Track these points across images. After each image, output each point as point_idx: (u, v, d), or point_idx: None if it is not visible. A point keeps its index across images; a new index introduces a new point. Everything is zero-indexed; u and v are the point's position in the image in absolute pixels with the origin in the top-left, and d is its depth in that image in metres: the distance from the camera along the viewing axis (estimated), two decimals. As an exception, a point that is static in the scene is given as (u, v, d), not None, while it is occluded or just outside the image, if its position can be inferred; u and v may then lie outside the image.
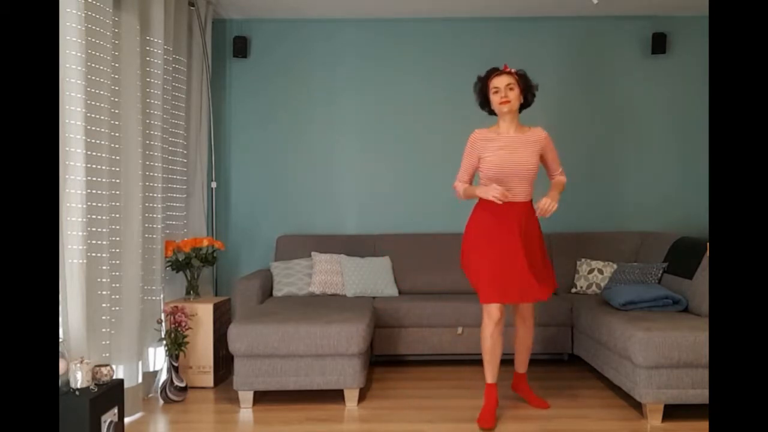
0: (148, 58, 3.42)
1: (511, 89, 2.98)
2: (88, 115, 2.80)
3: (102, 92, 2.90)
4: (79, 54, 2.68)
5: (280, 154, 4.68)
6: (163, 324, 3.46)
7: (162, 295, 3.56)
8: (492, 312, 2.97)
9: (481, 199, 3.09)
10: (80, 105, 2.69)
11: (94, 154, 2.84)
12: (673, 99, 4.65)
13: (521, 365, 3.29)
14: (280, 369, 3.23)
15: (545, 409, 3.19)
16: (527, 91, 3.06)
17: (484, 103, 3.10)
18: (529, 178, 3.03)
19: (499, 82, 2.99)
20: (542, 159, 3.13)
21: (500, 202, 2.87)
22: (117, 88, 3.11)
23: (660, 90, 4.65)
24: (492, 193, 2.86)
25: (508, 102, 2.97)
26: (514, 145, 3.02)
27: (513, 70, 3.03)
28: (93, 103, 2.84)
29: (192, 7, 4.08)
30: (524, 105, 3.10)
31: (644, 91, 4.65)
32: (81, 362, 2.58)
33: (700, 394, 2.95)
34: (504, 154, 3.00)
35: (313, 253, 4.32)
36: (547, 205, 2.89)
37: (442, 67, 4.65)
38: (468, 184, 3.13)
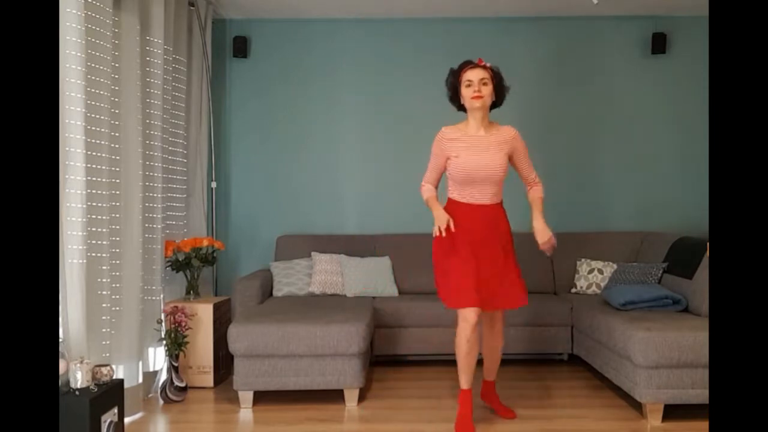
0: (148, 58, 3.42)
1: (484, 84, 2.82)
2: (88, 115, 2.80)
3: (102, 92, 2.90)
4: (78, 54, 2.68)
5: (280, 154, 4.68)
6: (163, 324, 3.45)
7: (162, 295, 3.56)
8: (468, 316, 2.79)
9: (449, 200, 2.98)
10: (80, 105, 2.69)
11: (94, 154, 2.84)
12: (673, 99, 4.65)
13: (490, 373, 3.14)
14: (280, 369, 3.23)
15: (512, 419, 3.06)
16: (500, 89, 2.91)
17: (454, 97, 2.94)
18: (497, 181, 2.89)
19: (473, 75, 2.82)
20: (512, 160, 2.97)
21: (436, 233, 2.79)
22: (117, 88, 3.11)
23: (660, 90, 4.65)
24: (436, 223, 2.78)
25: (481, 97, 2.81)
26: (483, 145, 2.87)
27: (488, 65, 2.88)
28: (93, 103, 2.84)
29: (192, 7, 4.08)
30: (495, 104, 2.94)
31: (644, 91, 4.65)
32: (81, 362, 2.58)
33: (700, 394, 2.95)
34: (471, 156, 2.85)
35: (313, 253, 4.32)
36: (548, 240, 2.90)
37: (443, 66, 4.61)
38: (433, 189, 3.02)
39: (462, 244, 2.87)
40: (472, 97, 2.82)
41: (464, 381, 2.89)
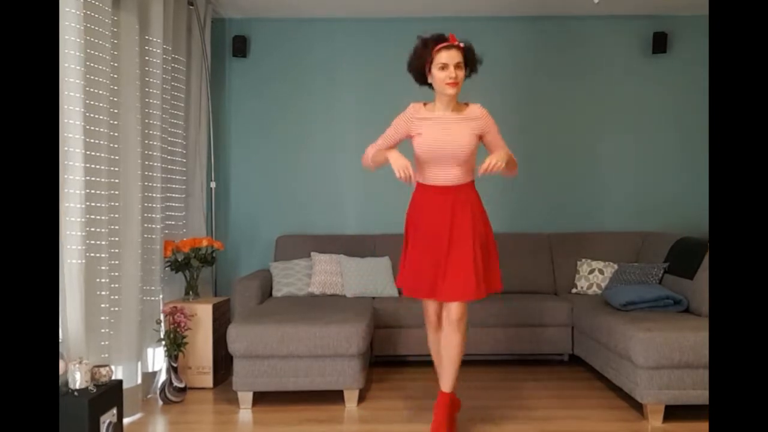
0: (147, 58, 3.41)
1: (459, 68, 2.64)
2: (87, 114, 2.79)
3: (101, 92, 2.89)
4: (78, 53, 2.67)
5: (279, 154, 4.67)
6: (162, 324, 3.45)
7: (161, 296, 3.55)
8: (428, 314, 2.79)
9: (417, 185, 2.83)
10: (79, 104, 2.69)
11: (93, 153, 2.84)
12: (673, 98, 4.64)
13: (443, 380, 2.75)
14: (280, 370, 3.22)
15: None
16: (472, 66, 2.72)
17: (420, 70, 2.73)
18: (465, 159, 2.71)
19: (449, 58, 2.61)
20: (484, 140, 2.76)
21: (401, 179, 2.62)
22: (116, 87, 3.11)
23: (660, 89, 4.64)
24: (396, 165, 2.62)
25: (456, 84, 2.63)
26: (449, 123, 2.71)
27: (461, 44, 2.66)
28: (92, 102, 2.83)
29: (191, 7, 4.07)
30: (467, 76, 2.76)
31: (645, 91, 4.64)
32: (80, 363, 2.57)
33: (700, 394, 2.94)
34: (436, 134, 2.69)
35: (312, 253, 4.31)
36: (492, 161, 2.56)
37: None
38: (375, 146, 2.85)
39: (420, 229, 2.76)
40: (447, 83, 2.64)
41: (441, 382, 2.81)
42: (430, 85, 2.77)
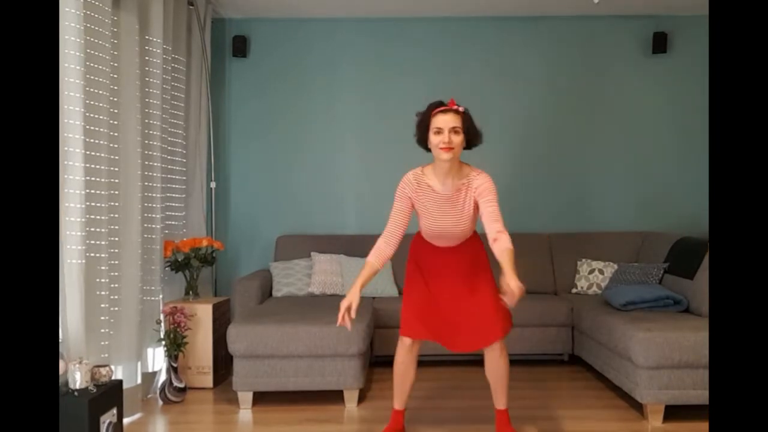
0: (147, 58, 3.41)
1: (456, 133, 2.49)
2: (87, 114, 2.79)
3: (101, 92, 2.89)
4: (78, 53, 2.67)
5: (279, 154, 4.67)
6: (162, 324, 3.45)
7: (161, 296, 3.55)
8: (404, 339, 2.69)
9: (419, 233, 2.81)
10: (79, 105, 2.69)
11: (93, 153, 2.83)
12: (673, 98, 4.64)
13: (497, 399, 2.80)
14: (280, 370, 3.22)
15: None
16: (472, 134, 2.57)
17: (422, 139, 2.62)
18: (467, 233, 2.69)
19: (443, 122, 2.49)
20: (477, 203, 2.61)
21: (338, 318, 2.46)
22: (116, 87, 3.11)
23: (661, 89, 4.64)
24: (339, 314, 2.44)
25: (451, 149, 2.48)
26: (450, 204, 2.61)
27: (461, 108, 2.55)
28: (92, 102, 2.83)
29: (191, 7, 4.07)
30: (466, 147, 2.60)
31: (645, 91, 4.64)
32: (80, 363, 2.57)
33: (701, 394, 2.94)
34: (439, 217, 2.62)
35: (312, 253, 4.31)
36: (516, 291, 2.31)
37: (443, 66, 4.64)
38: (376, 260, 2.61)
39: (425, 275, 2.75)
40: (441, 148, 2.48)
41: (397, 401, 2.81)
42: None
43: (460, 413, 3.16)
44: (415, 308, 2.69)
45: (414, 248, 2.84)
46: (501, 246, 2.44)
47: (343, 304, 2.45)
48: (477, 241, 2.79)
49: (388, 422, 2.86)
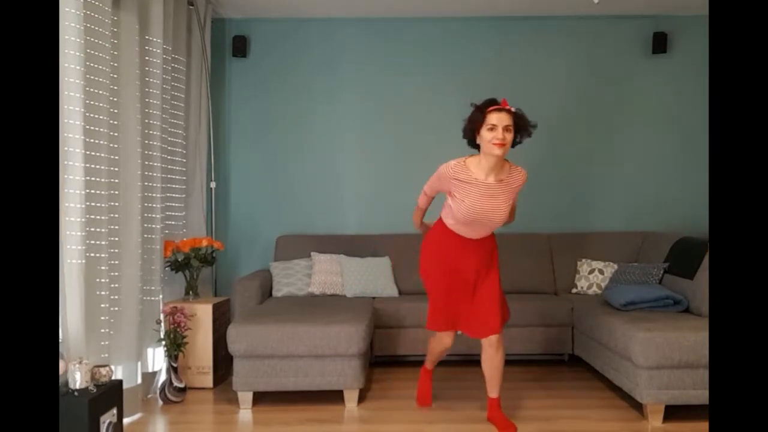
0: (147, 58, 3.41)
1: (508, 131, 2.68)
2: (87, 114, 2.79)
3: (101, 92, 2.89)
4: (78, 53, 2.67)
5: (279, 154, 4.67)
6: (162, 324, 3.45)
7: (161, 296, 3.55)
8: (444, 340, 3.07)
9: (440, 222, 2.97)
10: (79, 105, 2.69)
11: (93, 153, 2.83)
12: (674, 98, 4.64)
13: (491, 387, 2.99)
14: (280, 370, 3.22)
15: None
16: (522, 131, 2.75)
17: (471, 134, 2.78)
18: (498, 225, 2.85)
19: (499, 120, 2.67)
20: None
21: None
22: (116, 87, 3.11)
23: (661, 89, 4.64)
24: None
25: (504, 145, 2.66)
26: (492, 193, 2.76)
27: (513, 109, 2.72)
28: (92, 102, 2.83)
29: (191, 7, 4.07)
30: (513, 143, 2.80)
31: (645, 91, 4.64)
32: (80, 363, 2.57)
33: (701, 394, 2.94)
34: (479, 203, 2.75)
35: (312, 253, 4.31)
36: None
37: (443, 66, 4.64)
38: (425, 208, 3.13)
39: (450, 270, 2.93)
40: (494, 144, 2.66)
41: (428, 363, 3.28)
42: (478, 147, 2.79)
43: (461, 412, 3.15)
44: (438, 305, 2.97)
45: (437, 235, 2.98)
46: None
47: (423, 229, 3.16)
48: (493, 238, 3.02)
49: (418, 379, 3.33)
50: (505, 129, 2.67)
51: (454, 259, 2.92)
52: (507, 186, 2.79)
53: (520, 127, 2.74)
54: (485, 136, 2.69)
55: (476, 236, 2.90)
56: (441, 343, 3.10)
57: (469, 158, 2.80)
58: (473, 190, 2.75)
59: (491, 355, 2.92)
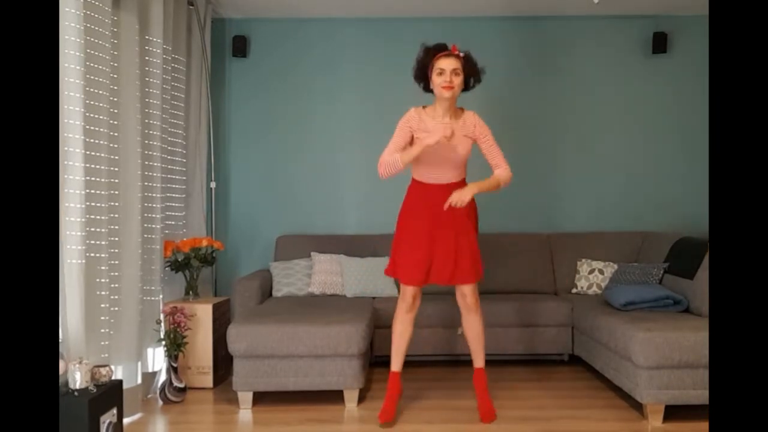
0: (147, 58, 3.41)
1: (456, 74, 2.84)
2: (87, 114, 2.79)
3: (101, 92, 2.89)
4: (77, 53, 2.67)
5: (279, 154, 4.67)
6: (162, 324, 3.45)
7: (161, 296, 3.55)
8: (405, 295, 3.04)
9: (413, 180, 3.07)
10: (79, 104, 2.68)
11: (92, 153, 2.83)
12: (674, 98, 4.64)
13: (476, 357, 3.12)
14: (280, 370, 3.22)
15: (487, 423, 2.99)
16: (471, 75, 2.92)
17: (422, 77, 2.97)
18: (459, 165, 2.98)
19: (446, 64, 2.83)
20: (479, 146, 3.02)
21: (447, 140, 2.80)
22: (116, 87, 3.11)
23: (661, 89, 4.64)
24: (435, 138, 2.76)
25: (452, 88, 2.84)
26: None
27: (461, 54, 2.88)
28: (92, 102, 2.83)
29: (191, 6, 4.07)
30: (464, 88, 2.97)
31: (645, 91, 4.64)
32: (80, 363, 2.57)
33: (701, 394, 2.94)
34: (436, 147, 2.89)
35: (312, 253, 4.31)
36: (454, 199, 2.82)
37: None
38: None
39: (420, 220, 3.00)
40: (443, 87, 2.84)
41: (394, 363, 3.11)
42: (432, 92, 2.97)
43: (460, 413, 3.15)
44: (410, 256, 2.98)
45: (408, 197, 3.09)
46: (495, 172, 3.00)
47: (440, 133, 2.77)
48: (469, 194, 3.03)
49: (387, 385, 3.11)
50: (453, 72, 2.83)
51: (426, 206, 2.98)
52: (461, 126, 2.94)
53: (469, 71, 2.90)
54: (435, 80, 2.87)
55: (443, 179, 2.99)
56: (402, 322, 3.06)
57: (426, 106, 3.01)
58: (434, 128, 2.89)
59: (470, 319, 3.06)
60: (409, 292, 3.04)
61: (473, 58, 2.93)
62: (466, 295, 3.03)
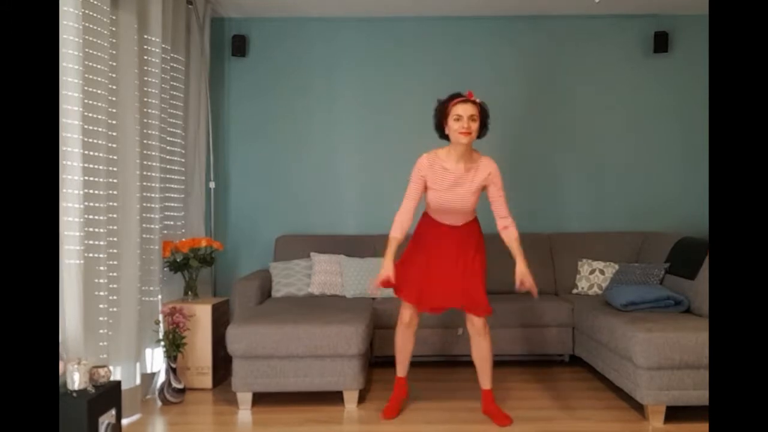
0: (146, 57, 3.40)
1: (473, 120, 2.88)
2: (86, 114, 2.78)
3: (99, 91, 2.88)
4: (76, 53, 2.66)
5: (279, 154, 4.66)
6: (161, 325, 3.44)
7: (160, 296, 3.54)
8: (403, 315, 3.12)
9: (425, 213, 3.18)
10: (77, 104, 2.67)
11: (91, 153, 2.83)
12: (674, 98, 4.63)
13: (483, 380, 3.11)
14: (279, 370, 3.21)
15: (507, 426, 2.98)
16: (484, 125, 2.97)
17: (440, 126, 2.99)
18: (469, 212, 3.06)
19: (463, 110, 2.88)
20: (486, 190, 3.04)
21: (372, 284, 2.98)
22: (114, 87, 3.10)
23: (662, 89, 4.63)
24: (376, 281, 2.96)
25: (469, 134, 2.87)
26: (460, 183, 2.98)
27: (477, 100, 2.94)
28: (90, 102, 2.82)
29: (190, 6, 4.06)
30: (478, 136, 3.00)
31: (646, 90, 4.63)
32: (78, 363, 2.56)
33: (701, 395, 2.93)
34: (447, 193, 2.99)
35: (312, 253, 4.30)
36: (528, 281, 2.95)
37: (442, 65, 4.63)
38: (401, 229, 3.03)
39: (425, 246, 3.10)
40: (460, 132, 2.87)
41: (399, 369, 3.21)
42: (448, 138, 2.99)
43: (460, 413, 3.15)
44: (413, 277, 3.05)
45: (420, 225, 3.19)
46: (511, 236, 3.04)
47: (382, 276, 2.95)
48: (477, 225, 3.16)
49: (394, 387, 3.21)
50: (470, 118, 2.88)
51: (435, 239, 3.08)
52: (474, 175, 2.98)
53: (484, 118, 2.96)
54: (452, 126, 2.90)
55: (453, 222, 3.08)
56: (402, 336, 3.15)
57: (439, 150, 3.03)
58: (442, 181, 2.98)
59: (478, 342, 3.06)
60: (407, 312, 3.11)
61: (486, 107, 2.98)
62: (475, 322, 3.04)
